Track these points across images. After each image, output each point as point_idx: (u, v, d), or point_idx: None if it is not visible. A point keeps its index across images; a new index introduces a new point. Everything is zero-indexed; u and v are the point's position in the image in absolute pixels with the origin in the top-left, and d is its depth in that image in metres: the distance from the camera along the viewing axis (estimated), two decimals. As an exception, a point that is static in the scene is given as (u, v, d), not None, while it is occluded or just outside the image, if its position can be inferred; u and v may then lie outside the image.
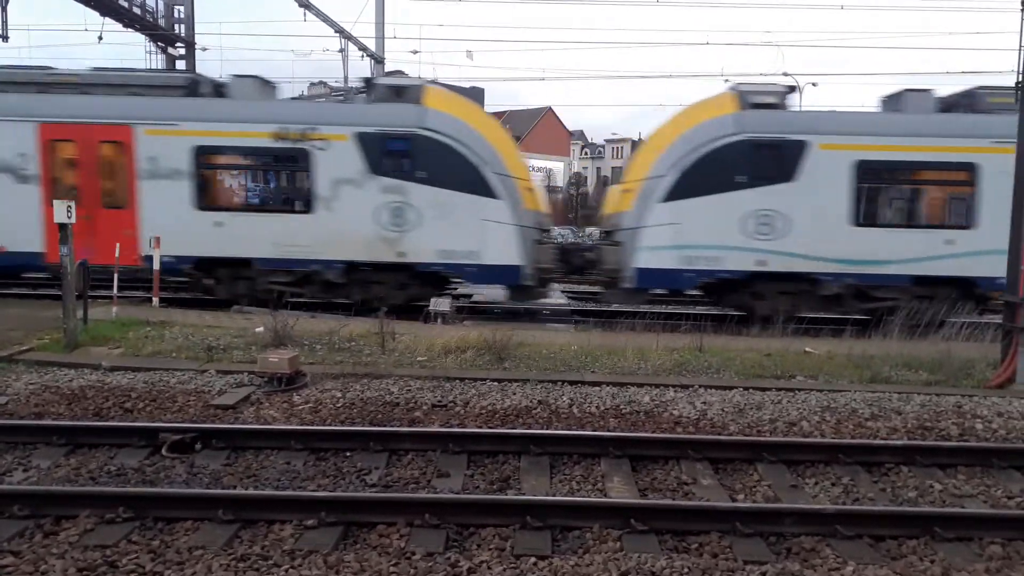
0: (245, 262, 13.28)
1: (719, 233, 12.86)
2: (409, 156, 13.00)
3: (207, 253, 13.25)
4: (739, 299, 13.38)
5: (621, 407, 7.43)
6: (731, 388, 8.18)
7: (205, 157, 13.19)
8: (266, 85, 14.01)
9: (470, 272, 13.30)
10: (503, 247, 13.11)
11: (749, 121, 12.91)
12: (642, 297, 13.69)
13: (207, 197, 13.27)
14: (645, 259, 13.05)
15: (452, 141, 12.95)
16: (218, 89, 13.78)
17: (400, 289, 13.47)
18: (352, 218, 13.06)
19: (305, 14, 22.51)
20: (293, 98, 16.46)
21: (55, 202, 9.11)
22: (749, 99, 13.19)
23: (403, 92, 13.34)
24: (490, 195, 12.99)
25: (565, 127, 70.28)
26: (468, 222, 13.02)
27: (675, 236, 12.93)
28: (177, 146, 13.04)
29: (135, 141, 13.07)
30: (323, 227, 13.12)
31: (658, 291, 14.17)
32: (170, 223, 13.05)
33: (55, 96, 13.36)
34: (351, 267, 13.28)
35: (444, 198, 12.97)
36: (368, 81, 13.93)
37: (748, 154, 12.76)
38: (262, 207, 13.44)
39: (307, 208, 13.16)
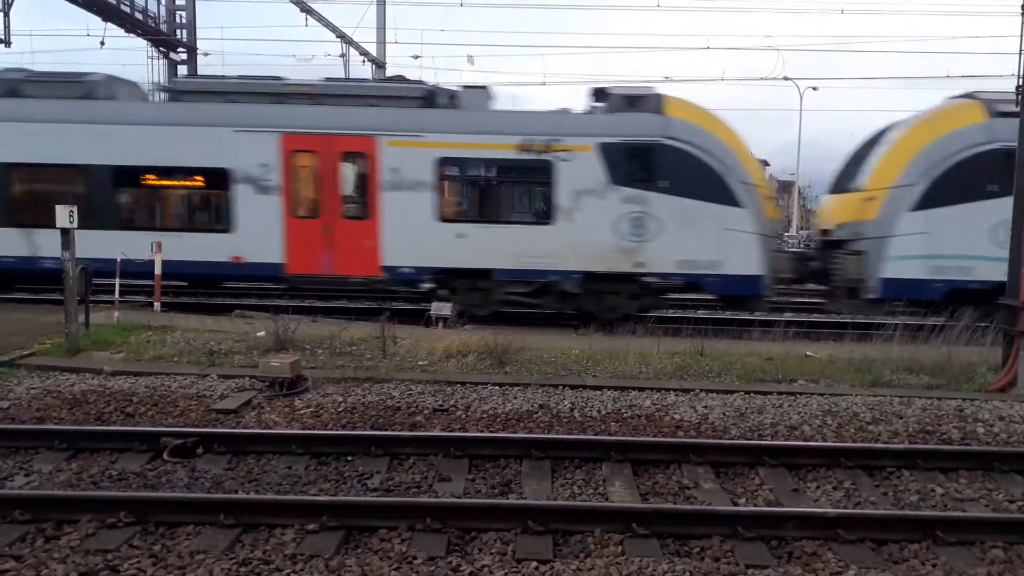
0: (484, 273, 13.20)
1: (970, 243, 12.73)
2: (651, 166, 12.91)
3: (448, 264, 13.16)
4: (984, 310, 12.91)
5: (622, 411, 7.44)
6: (732, 392, 8.17)
7: (448, 168, 13.10)
8: (492, 96, 13.93)
9: (711, 282, 13.20)
10: (746, 257, 12.97)
11: (1000, 130, 12.70)
12: (883, 308, 13.45)
13: (449, 208, 13.23)
14: (892, 269, 12.92)
15: (696, 150, 12.84)
16: (452, 100, 13.67)
17: (632, 299, 13.39)
18: (592, 229, 12.97)
19: (307, 19, 22.64)
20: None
21: (57, 207, 9.06)
22: (995, 107, 13.05)
23: (642, 101, 13.22)
24: (734, 204, 12.87)
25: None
26: (710, 232, 12.87)
27: (925, 246, 12.79)
28: (420, 157, 12.93)
29: (378, 152, 12.97)
30: (563, 238, 13.04)
31: (897, 302, 13.82)
32: (412, 234, 13.01)
33: (296, 106, 13.23)
34: (587, 277, 13.18)
35: (687, 208, 12.84)
36: (601, 91, 13.73)
37: (1000, 163, 12.50)
38: (503, 218, 13.34)
39: (547, 219, 13.10)
